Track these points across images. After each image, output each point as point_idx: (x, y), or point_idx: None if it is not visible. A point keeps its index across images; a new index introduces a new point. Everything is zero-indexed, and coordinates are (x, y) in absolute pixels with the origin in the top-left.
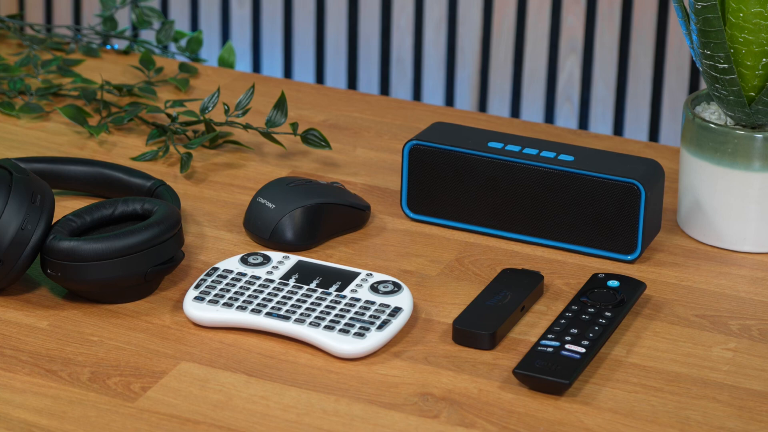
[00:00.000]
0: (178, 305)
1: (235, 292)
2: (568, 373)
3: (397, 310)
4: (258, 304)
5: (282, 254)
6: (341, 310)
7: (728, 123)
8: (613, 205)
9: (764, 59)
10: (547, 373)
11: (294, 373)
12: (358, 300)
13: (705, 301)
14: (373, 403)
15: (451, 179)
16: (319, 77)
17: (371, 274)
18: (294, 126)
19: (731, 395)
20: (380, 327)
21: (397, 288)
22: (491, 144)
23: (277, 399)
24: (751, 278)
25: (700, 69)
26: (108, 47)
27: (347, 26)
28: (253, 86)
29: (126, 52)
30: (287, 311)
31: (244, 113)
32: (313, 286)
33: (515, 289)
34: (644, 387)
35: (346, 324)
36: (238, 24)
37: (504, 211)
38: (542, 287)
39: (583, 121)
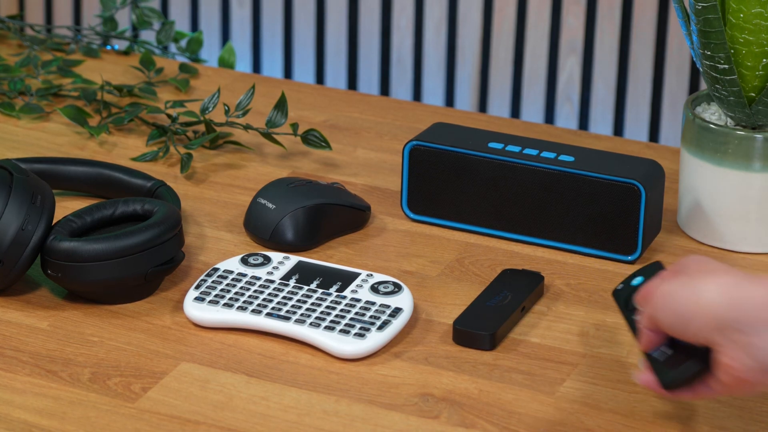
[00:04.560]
0: (179, 306)
1: (236, 293)
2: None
3: (397, 311)
4: (258, 305)
5: (282, 255)
6: (342, 310)
7: (728, 123)
8: (613, 206)
9: (765, 60)
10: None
11: (294, 374)
12: (358, 300)
13: None
14: (373, 403)
15: (451, 180)
16: (319, 77)
17: (371, 275)
18: (294, 126)
19: (731, 395)
20: (380, 327)
21: (397, 288)
22: (491, 144)
23: (277, 399)
24: None
25: (701, 69)
26: (108, 48)
27: (347, 26)
28: (253, 87)
29: (126, 53)
30: (288, 312)
31: (244, 114)
32: (313, 286)
33: (516, 290)
34: (644, 387)
35: (346, 324)
36: (238, 24)
37: (504, 211)
38: (542, 288)
39: (583, 122)
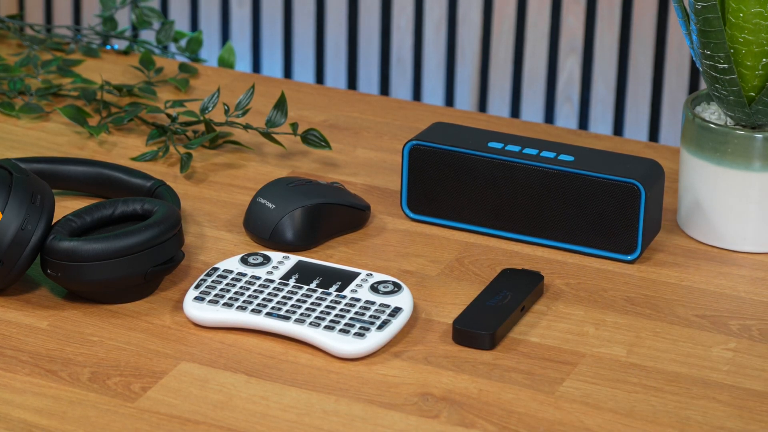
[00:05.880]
0: (178, 305)
1: (235, 293)
2: None
3: (397, 310)
4: (258, 304)
5: (282, 254)
6: (341, 310)
7: (728, 123)
8: (613, 205)
9: (764, 59)
10: None
11: (294, 374)
12: (358, 300)
13: (705, 301)
14: (373, 403)
15: (451, 179)
16: (319, 77)
17: (371, 274)
18: (294, 126)
19: (731, 395)
20: (380, 327)
21: (397, 288)
22: (491, 144)
23: (277, 399)
24: (751, 278)
25: (700, 69)
26: (108, 47)
27: (347, 26)
28: (253, 86)
29: (126, 53)
30: (287, 311)
31: (244, 113)
32: (313, 286)
33: (515, 289)
34: (644, 387)
35: (346, 324)
36: (238, 24)
37: (504, 211)
38: (542, 287)
39: (583, 121)
